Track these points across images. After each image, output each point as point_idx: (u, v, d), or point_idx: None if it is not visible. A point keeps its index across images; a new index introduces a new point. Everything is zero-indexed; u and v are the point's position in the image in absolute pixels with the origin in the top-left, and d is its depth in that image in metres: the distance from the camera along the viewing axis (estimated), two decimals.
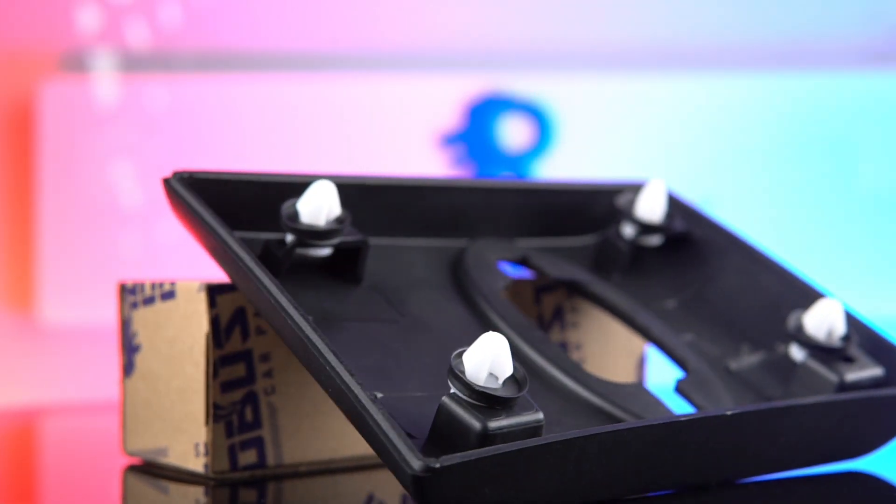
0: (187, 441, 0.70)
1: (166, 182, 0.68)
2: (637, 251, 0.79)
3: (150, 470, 0.72)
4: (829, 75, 1.83)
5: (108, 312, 1.76)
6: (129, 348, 0.74)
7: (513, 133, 1.83)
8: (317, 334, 0.59)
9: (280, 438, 0.70)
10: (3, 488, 0.75)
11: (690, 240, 0.79)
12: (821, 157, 1.82)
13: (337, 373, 0.57)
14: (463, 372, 0.56)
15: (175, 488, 0.70)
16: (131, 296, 0.73)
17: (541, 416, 0.56)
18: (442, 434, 0.56)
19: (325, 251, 0.67)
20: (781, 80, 1.82)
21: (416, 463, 0.53)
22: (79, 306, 1.77)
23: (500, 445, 0.55)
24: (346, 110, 1.79)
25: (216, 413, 0.69)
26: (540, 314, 0.78)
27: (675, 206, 0.80)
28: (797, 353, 0.70)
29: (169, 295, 0.72)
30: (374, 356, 0.63)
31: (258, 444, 0.69)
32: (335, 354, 0.58)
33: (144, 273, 1.78)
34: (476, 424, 0.54)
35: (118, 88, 1.78)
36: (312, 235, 0.66)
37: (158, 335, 0.72)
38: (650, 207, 0.78)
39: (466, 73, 1.81)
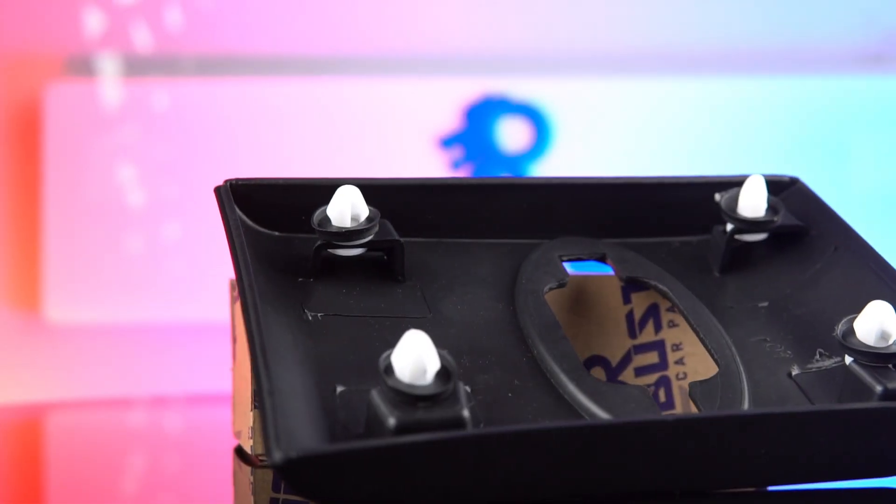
0: (245, 424, 0.73)
1: (216, 190, 0.70)
2: (743, 248, 0.75)
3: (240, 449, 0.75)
4: (824, 78, 1.84)
5: (111, 312, 1.78)
6: (233, 339, 0.76)
7: (511, 135, 1.84)
8: (259, 328, 0.61)
9: None
10: (5, 486, 0.76)
11: (806, 236, 0.75)
12: (817, 159, 1.82)
13: (256, 363, 0.59)
14: (387, 368, 0.57)
15: (245, 468, 0.72)
16: (234, 290, 0.75)
17: (461, 412, 0.56)
18: (370, 427, 0.57)
19: (355, 251, 0.69)
20: (777, 83, 1.83)
21: (276, 454, 0.54)
22: (83, 306, 1.79)
23: (367, 441, 0.56)
24: (346, 113, 1.81)
25: (257, 400, 0.70)
26: (630, 313, 0.77)
27: (805, 201, 0.77)
28: (848, 359, 0.65)
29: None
30: (370, 351, 0.64)
31: None
32: (263, 347, 0.60)
33: (145, 273, 1.79)
34: (389, 418, 0.56)
35: (122, 92, 1.80)
36: (339, 237, 0.68)
37: (240, 327, 0.74)
38: (749, 204, 0.74)
39: (464, 75, 1.82)
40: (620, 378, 0.76)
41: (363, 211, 0.68)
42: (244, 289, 0.63)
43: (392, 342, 0.64)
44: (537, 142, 1.83)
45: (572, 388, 0.64)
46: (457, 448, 0.55)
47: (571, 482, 0.58)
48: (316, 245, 0.68)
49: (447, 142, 1.82)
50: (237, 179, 0.70)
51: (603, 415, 0.63)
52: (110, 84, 1.79)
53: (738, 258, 0.75)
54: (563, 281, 0.72)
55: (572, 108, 1.82)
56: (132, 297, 1.79)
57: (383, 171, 1.71)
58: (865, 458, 0.62)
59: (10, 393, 1.73)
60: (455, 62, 1.83)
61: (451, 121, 1.81)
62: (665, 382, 0.76)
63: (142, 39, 1.80)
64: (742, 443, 0.59)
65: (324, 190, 0.69)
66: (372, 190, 0.70)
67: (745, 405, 0.65)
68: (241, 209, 0.70)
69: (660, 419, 0.60)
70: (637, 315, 0.76)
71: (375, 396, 0.57)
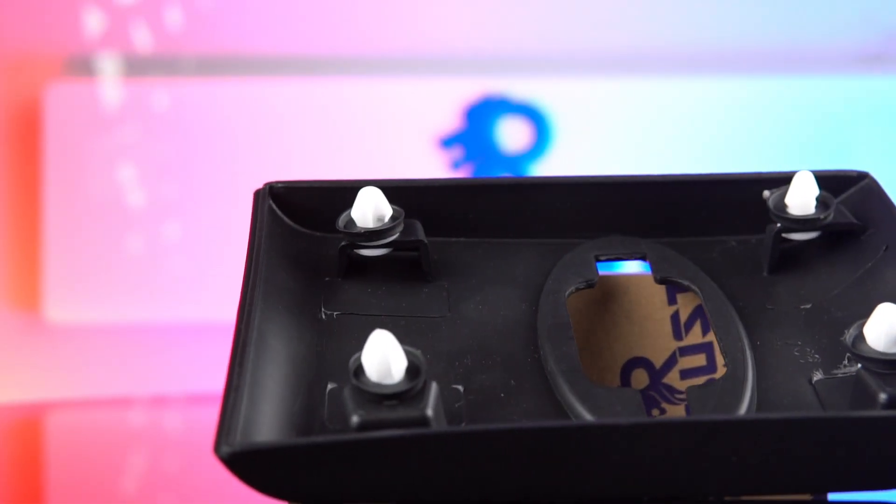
0: None
1: (256, 193, 0.71)
2: (794, 247, 0.72)
3: None
4: (824, 78, 1.84)
5: (111, 312, 1.79)
6: None
7: (511, 135, 1.84)
8: (247, 325, 0.62)
9: None
10: (5, 485, 0.76)
11: (863, 234, 0.72)
12: (817, 159, 1.83)
13: (232, 359, 0.60)
14: (356, 369, 0.58)
15: None
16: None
17: (425, 411, 0.57)
18: (343, 425, 0.58)
19: (380, 251, 0.70)
20: (777, 83, 1.83)
21: (222, 448, 0.56)
22: (83, 306, 1.79)
23: (305, 438, 0.58)
24: (346, 113, 1.81)
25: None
26: (675, 314, 0.75)
27: (871, 197, 0.73)
28: (858, 366, 0.63)
29: None
30: None
31: None
32: (244, 344, 0.61)
33: (145, 273, 1.80)
34: (353, 416, 0.57)
35: (122, 92, 1.80)
36: (360, 237, 0.69)
37: None
38: (797, 201, 0.71)
39: (464, 75, 1.83)
40: (665, 381, 0.75)
41: (387, 211, 0.69)
42: (247, 285, 0.65)
43: (401, 341, 0.65)
44: (537, 142, 1.83)
45: (565, 388, 0.64)
46: (396, 447, 0.56)
47: (522, 486, 0.58)
48: (340, 245, 0.69)
49: (447, 142, 1.82)
50: (277, 182, 0.72)
51: (587, 416, 0.62)
52: (110, 84, 1.80)
53: (789, 258, 0.73)
54: (591, 281, 0.71)
55: (572, 108, 1.82)
56: (132, 297, 1.80)
57: (383, 171, 1.72)
58: (857, 468, 0.59)
59: (11, 393, 1.73)
60: (455, 62, 1.83)
61: (451, 121, 1.82)
62: None
63: (142, 39, 1.81)
64: (704, 449, 0.58)
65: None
66: (414, 191, 0.72)
67: (742, 411, 0.63)
68: (282, 211, 0.71)
69: (607, 423, 0.58)
70: (683, 316, 0.75)
71: (345, 395, 0.58)
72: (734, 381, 0.65)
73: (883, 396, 0.59)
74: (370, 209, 0.69)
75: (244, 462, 0.55)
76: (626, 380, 0.74)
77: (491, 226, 0.73)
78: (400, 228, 0.69)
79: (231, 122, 1.80)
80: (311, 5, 1.82)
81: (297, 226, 0.72)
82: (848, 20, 1.85)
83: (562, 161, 1.82)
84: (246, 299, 0.64)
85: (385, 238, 0.69)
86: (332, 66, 1.82)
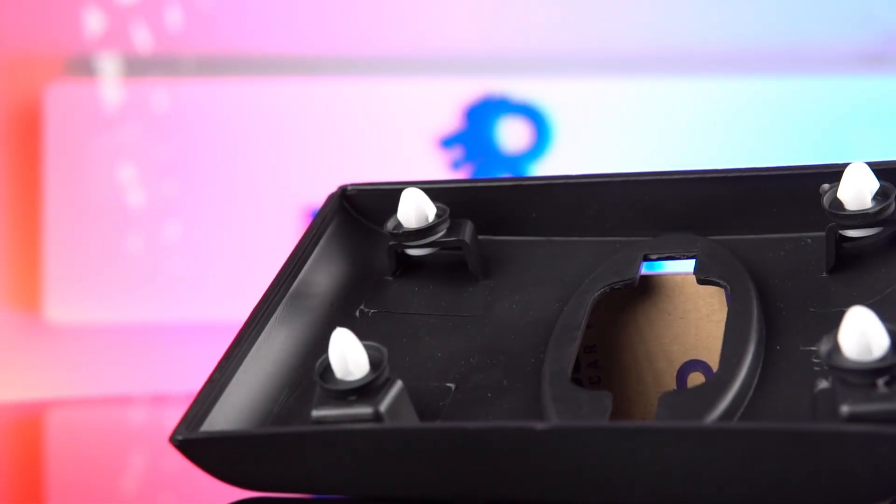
0: None
1: (330, 196, 0.72)
2: (855, 246, 0.68)
3: None
4: (824, 78, 1.84)
5: (111, 312, 1.79)
6: None
7: (511, 135, 1.84)
8: (252, 322, 0.64)
9: None
10: (5, 483, 0.77)
11: None
12: (817, 159, 1.83)
13: (225, 354, 0.62)
14: (322, 367, 0.59)
15: None
16: None
17: (373, 408, 0.58)
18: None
19: (425, 251, 0.71)
20: (777, 83, 1.84)
21: (176, 435, 0.59)
22: (83, 306, 1.79)
23: (236, 430, 0.61)
24: (347, 113, 1.81)
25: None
26: None
27: None
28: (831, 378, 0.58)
29: None
30: (392, 346, 0.64)
31: None
32: (238, 342, 0.63)
33: (145, 273, 1.80)
34: (313, 411, 0.58)
35: (122, 92, 1.80)
36: (403, 237, 0.70)
37: None
38: (849, 196, 0.66)
39: (464, 75, 1.83)
40: None
41: (430, 211, 0.70)
42: (275, 283, 0.67)
43: (424, 339, 0.67)
44: (537, 142, 1.83)
45: (548, 392, 0.63)
46: (335, 441, 0.57)
47: (461, 484, 0.58)
48: (388, 245, 0.70)
49: (447, 142, 1.82)
50: (351, 185, 0.73)
51: (553, 418, 0.62)
52: (110, 84, 1.80)
53: (852, 257, 0.68)
54: (630, 281, 0.69)
55: (572, 108, 1.83)
56: (132, 297, 1.80)
57: (383, 171, 1.72)
58: (803, 484, 0.56)
59: (11, 393, 1.73)
60: (455, 62, 1.84)
61: (451, 121, 1.82)
62: None
63: (142, 39, 1.81)
64: (629, 456, 0.56)
65: (434, 192, 0.71)
66: (477, 191, 0.72)
67: (712, 418, 0.61)
68: (356, 212, 0.73)
69: (525, 426, 0.57)
70: None
71: (319, 390, 0.59)
72: (715, 387, 0.63)
73: (844, 409, 0.55)
74: (412, 210, 0.69)
75: (195, 450, 0.58)
76: (682, 383, 0.72)
77: (554, 224, 0.73)
78: (444, 227, 0.70)
79: (231, 122, 1.80)
80: (311, 5, 1.82)
81: (372, 226, 0.73)
82: (848, 20, 1.85)
83: (562, 161, 1.82)
84: (267, 297, 0.66)
85: (426, 238, 0.69)
86: (332, 66, 1.82)
